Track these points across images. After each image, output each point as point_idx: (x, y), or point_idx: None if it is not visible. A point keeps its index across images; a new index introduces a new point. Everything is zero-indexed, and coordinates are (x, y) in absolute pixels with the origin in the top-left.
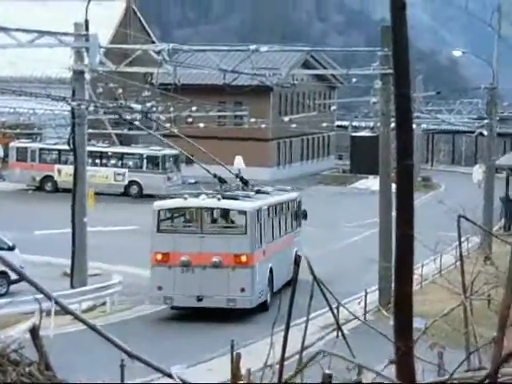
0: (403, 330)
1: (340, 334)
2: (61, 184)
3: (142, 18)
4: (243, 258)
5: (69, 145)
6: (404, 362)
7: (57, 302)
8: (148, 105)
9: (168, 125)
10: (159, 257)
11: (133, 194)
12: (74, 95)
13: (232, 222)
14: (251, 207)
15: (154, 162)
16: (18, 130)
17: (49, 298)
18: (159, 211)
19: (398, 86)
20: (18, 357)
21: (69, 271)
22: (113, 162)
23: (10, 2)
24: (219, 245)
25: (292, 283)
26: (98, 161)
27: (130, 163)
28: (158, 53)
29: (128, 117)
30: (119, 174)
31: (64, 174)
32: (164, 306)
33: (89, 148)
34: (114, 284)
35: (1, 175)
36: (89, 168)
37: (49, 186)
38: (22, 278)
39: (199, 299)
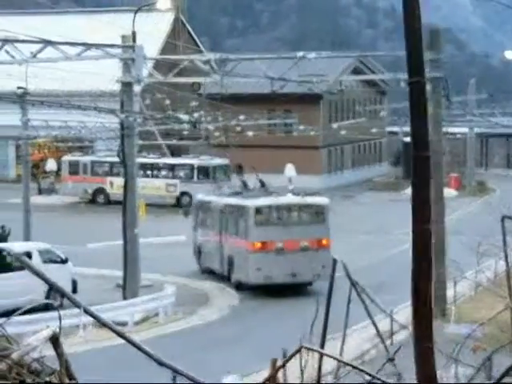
0: (422, 329)
1: (383, 344)
2: (113, 196)
3: (190, 29)
4: (324, 242)
5: (119, 157)
6: (423, 362)
7: (86, 311)
8: (195, 115)
9: (217, 134)
10: (258, 245)
11: (184, 204)
12: (122, 107)
13: (313, 214)
14: (327, 202)
15: (204, 172)
16: (69, 144)
17: (78, 306)
18: (256, 209)
19: (411, 73)
20: (39, 366)
21: (121, 283)
22: (164, 173)
23: (59, 17)
24: (305, 232)
25: (328, 289)
26: (149, 172)
27: (182, 174)
28: (206, 63)
29: (176, 127)
30: (171, 185)
31: (116, 186)
32: (217, 316)
33: (140, 160)
34: (167, 295)
35: (54, 189)
36: (140, 179)
37: (101, 198)
38: (51, 286)
39: (293, 275)
